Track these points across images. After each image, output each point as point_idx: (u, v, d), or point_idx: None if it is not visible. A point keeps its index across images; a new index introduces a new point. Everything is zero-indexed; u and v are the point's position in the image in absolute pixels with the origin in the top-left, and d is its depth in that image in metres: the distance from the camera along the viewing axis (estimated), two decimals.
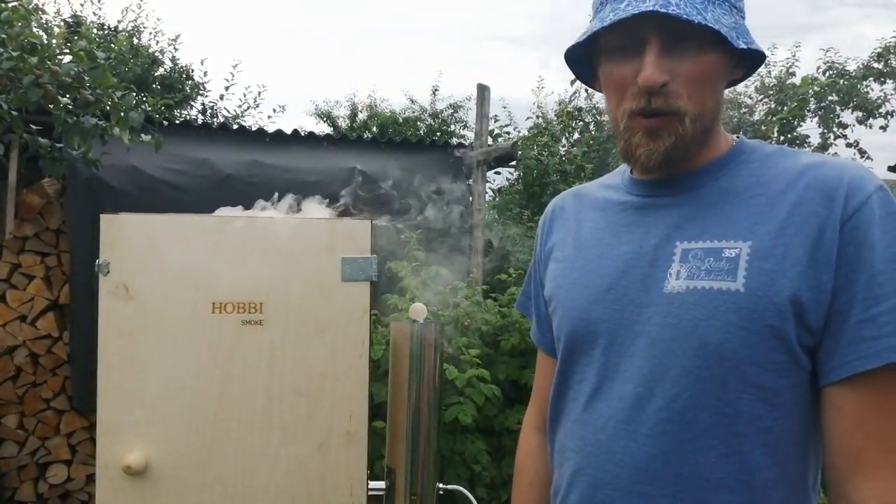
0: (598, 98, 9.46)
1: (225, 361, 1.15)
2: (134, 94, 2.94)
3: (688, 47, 0.79)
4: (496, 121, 5.20)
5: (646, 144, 0.83)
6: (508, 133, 5.25)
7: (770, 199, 0.80)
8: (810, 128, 8.38)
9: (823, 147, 8.42)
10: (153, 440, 1.13)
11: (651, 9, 0.75)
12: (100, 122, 3.02)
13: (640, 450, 0.81)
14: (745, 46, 0.80)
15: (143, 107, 3.93)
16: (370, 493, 1.26)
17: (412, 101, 11.54)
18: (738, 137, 0.90)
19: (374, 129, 10.73)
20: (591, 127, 8.98)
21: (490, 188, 5.52)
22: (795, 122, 7.77)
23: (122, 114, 2.92)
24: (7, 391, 3.51)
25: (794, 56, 8.39)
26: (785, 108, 7.54)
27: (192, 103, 8.46)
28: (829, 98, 7.90)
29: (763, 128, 8.18)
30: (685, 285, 0.80)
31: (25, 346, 3.53)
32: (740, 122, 8.30)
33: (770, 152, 0.87)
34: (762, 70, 8.78)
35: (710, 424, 0.78)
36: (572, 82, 8.17)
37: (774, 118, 7.82)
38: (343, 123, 11.66)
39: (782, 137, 8.07)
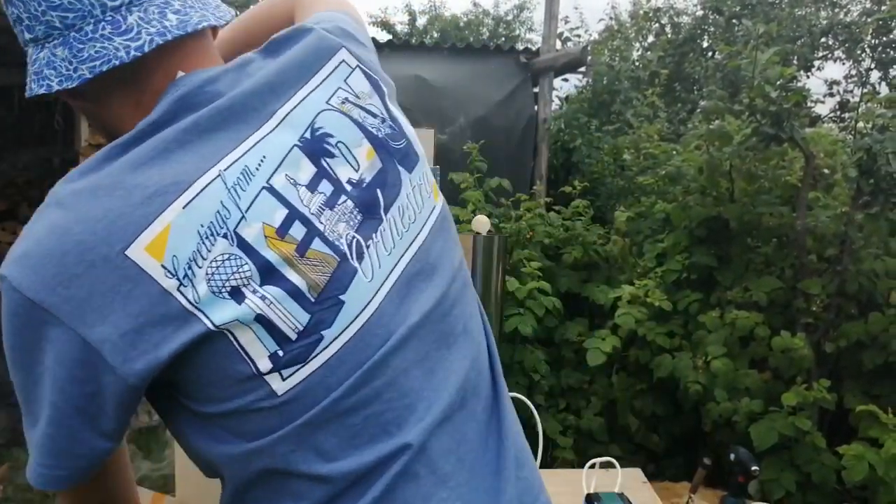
0: None
1: None
2: None
3: None
4: (566, 23, 4.94)
5: None
6: (579, 37, 4.99)
7: None
8: None
9: None
10: None
11: None
12: None
13: None
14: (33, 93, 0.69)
15: None
16: None
17: (474, 4, 11.12)
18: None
19: (435, 34, 10.43)
20: (668, 30, 8.48)
21: (557, 96, 5.33)
22: (893, 24, 7.12)
23: None
24: None
25: None
26: (883, 8, 6.90)
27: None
28: None
29: (856, 29, 7.55)
30: None
31: None
32: (831, 23, 7.67)
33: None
34: None
35: None
36: None
37: (870, 19, 7.19)
38: (402, 29, 11.38)
39: (875, 41, 7.43)
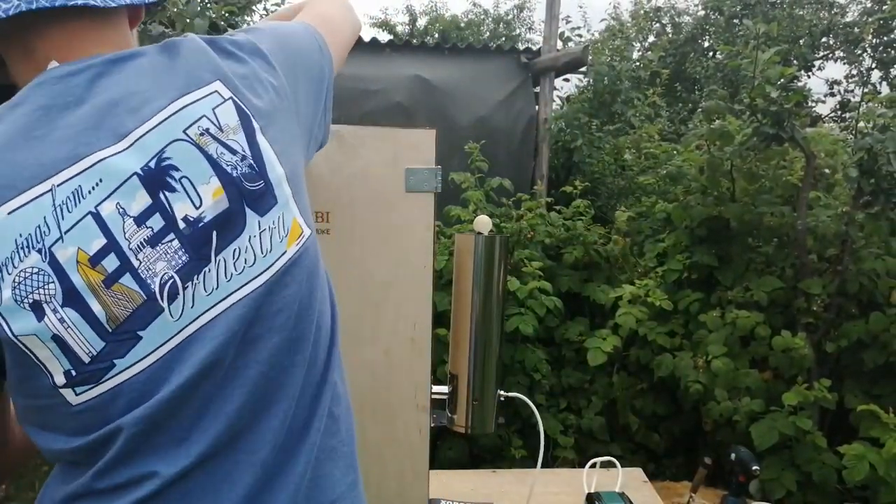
0: None
1: None
2: (198, 0, 2.92)
3: None
4: (567, 22, 4.93)
5: None
6: (580, 36, 4.99)
7: None
8: None
9: None
10: None
11: None
12: (166, 31, 3.04)
13: None
14: None
15: (207, 13, 3.92)
16: (433, 396, 1.30)
17: (474, 4, 11.13)
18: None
19: (436, 34, 10.43)
20: (669, 29, 8.48)
21: (558, 96, 5.32)
22: (894, 24, 7.12)
23: (188, 21, 2.92)
24: None
25: None
26: (885, 7, 6.90)
27: (255, 9, 8.37)
28: None
29: (856, 30, 7.55)
30: None
31: None
32: (830, 25, 7.67)
33: None
34: None
35: None
36: None
37: (870, 19, 7.19)
38: (402, 29, 11.39)
39: (876, 41, 7.43)
